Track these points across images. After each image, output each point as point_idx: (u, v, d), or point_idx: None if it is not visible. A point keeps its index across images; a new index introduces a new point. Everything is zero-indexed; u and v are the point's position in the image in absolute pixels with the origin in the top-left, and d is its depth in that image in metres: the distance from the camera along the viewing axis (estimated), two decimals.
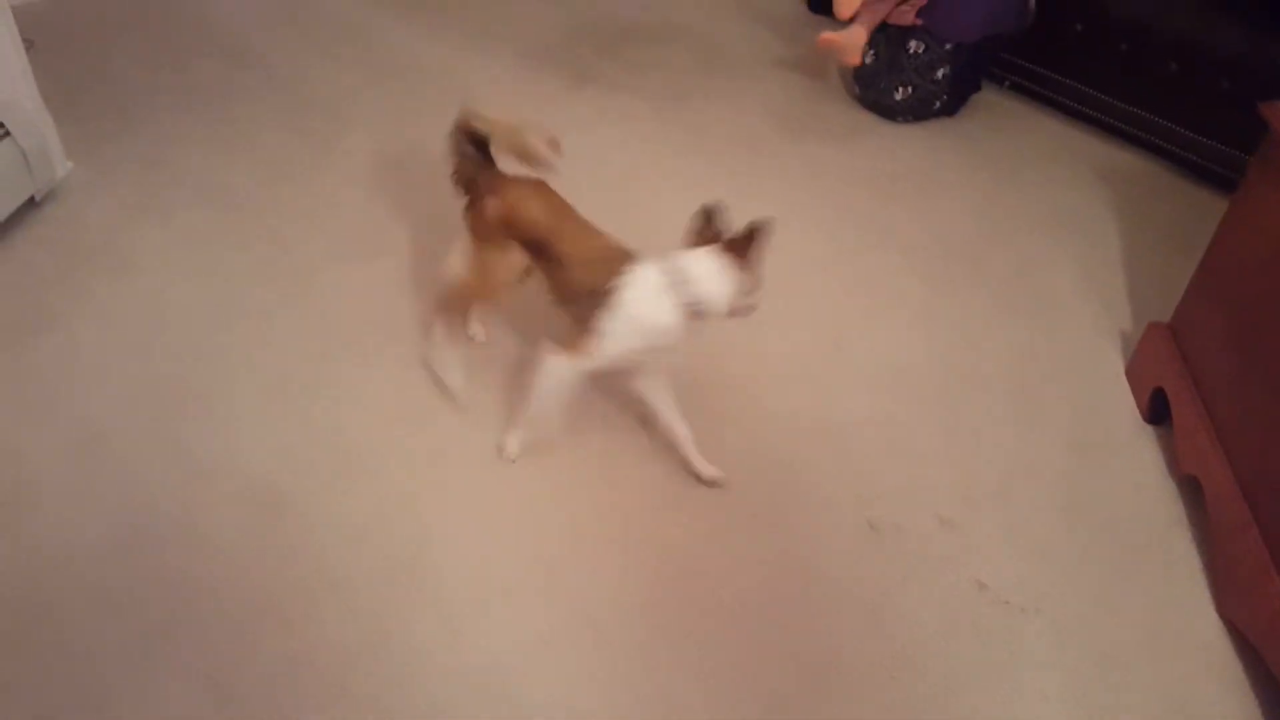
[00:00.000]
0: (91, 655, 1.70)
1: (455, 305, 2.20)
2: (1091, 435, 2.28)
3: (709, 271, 1.86)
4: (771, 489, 2.09)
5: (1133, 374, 2.41)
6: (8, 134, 2.52)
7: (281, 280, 2.54)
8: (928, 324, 2.55)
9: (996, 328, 2.55)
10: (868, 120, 3.37)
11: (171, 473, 2.03)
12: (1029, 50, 3.39)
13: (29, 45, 2.68)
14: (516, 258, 2.05)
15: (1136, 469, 2.21)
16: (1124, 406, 2.35)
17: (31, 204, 2.66)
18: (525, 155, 2.05)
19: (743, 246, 1.86)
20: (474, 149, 2.09)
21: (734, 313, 1.91)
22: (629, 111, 3.34)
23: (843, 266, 2.72)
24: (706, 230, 1.92)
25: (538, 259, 2.03)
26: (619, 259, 1.92)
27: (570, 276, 1.95)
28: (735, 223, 1.88)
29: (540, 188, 2.07)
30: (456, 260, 2.12)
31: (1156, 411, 2.29)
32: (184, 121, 3.12)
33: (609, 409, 2.23)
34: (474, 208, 2.09)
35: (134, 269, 2.54)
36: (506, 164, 2.10)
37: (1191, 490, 2.10)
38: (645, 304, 1.87)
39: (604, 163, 3.03)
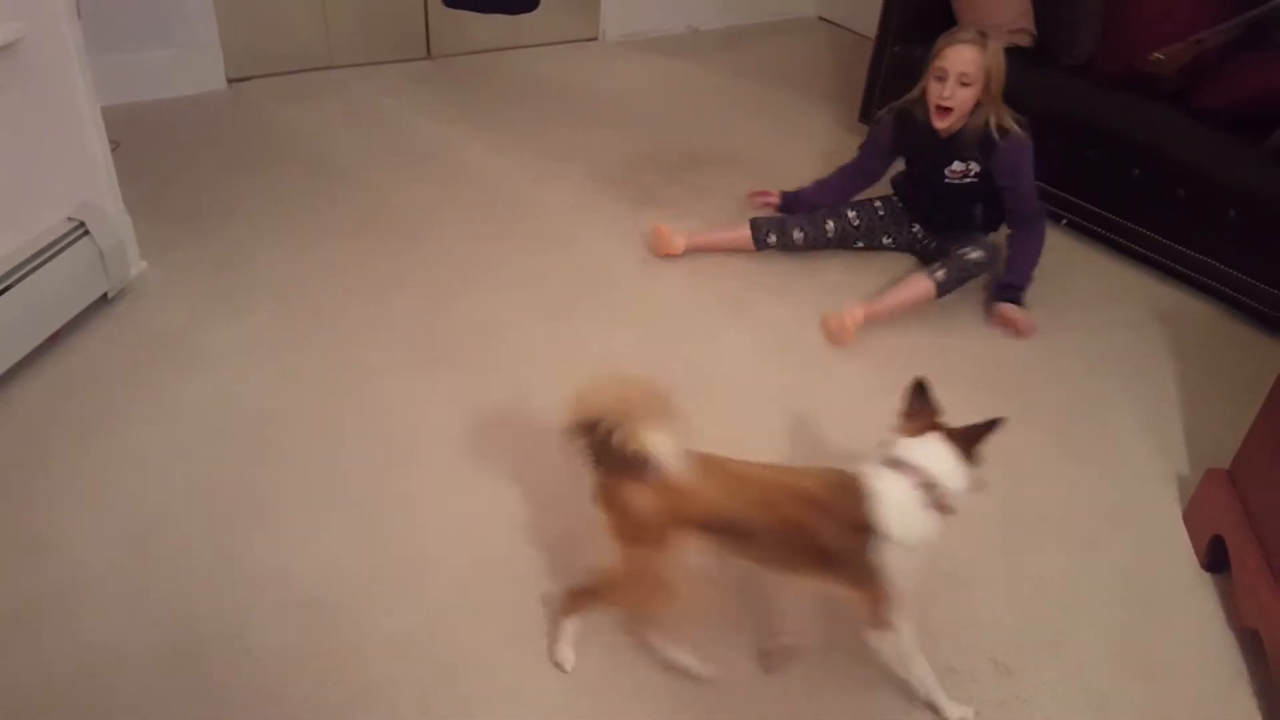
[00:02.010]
0: None
1: (604, 608, 1.89)
2: (1149, 583, 2.22)
3: (947, 461, 1.68)
4: (825, 619, 2.06)
5: (1190, 521, 2.37)
6: (87, 233, 2.61)
7: (343, 387, 2.58)
8: (984, 457, 2.52)
9: (1053, 467, 2.52)
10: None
11: (222, 578, 2.04)
12: (1087, 190, 3.42)
13: (114, 146, 2.79)
14: (692, 549, 1.70)
15: (1195, 619, 2.15)
16: (1182, 554, 2.30)
17: (104, 301, 2.74)
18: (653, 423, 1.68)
19: (970, 438, 1.70)
20: (597, 440, 1.70)
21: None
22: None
23: (892, 392, 2.71)
24: (921, 409, 1.76)
25: (729, 540, 1.71)
26: (847, 484, 1.67)
27: (800, 541, 1.67)
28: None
29: (703, 462, 1.73)
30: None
31: (1215, 560, 2.23)
32: (259, 226, 3.22)
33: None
34: (611, 502, 1.72)
35: (200, 370, 2.59)
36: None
37: (1252, 643, 2.04)
38: (911, 518, 1.65)
39: (661, 283, 3.09)
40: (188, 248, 3.06)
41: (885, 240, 3.31)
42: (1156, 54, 3.32)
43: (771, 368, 2.79)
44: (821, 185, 3.36)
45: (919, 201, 3.23)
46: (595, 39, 5.10)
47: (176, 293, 2.88)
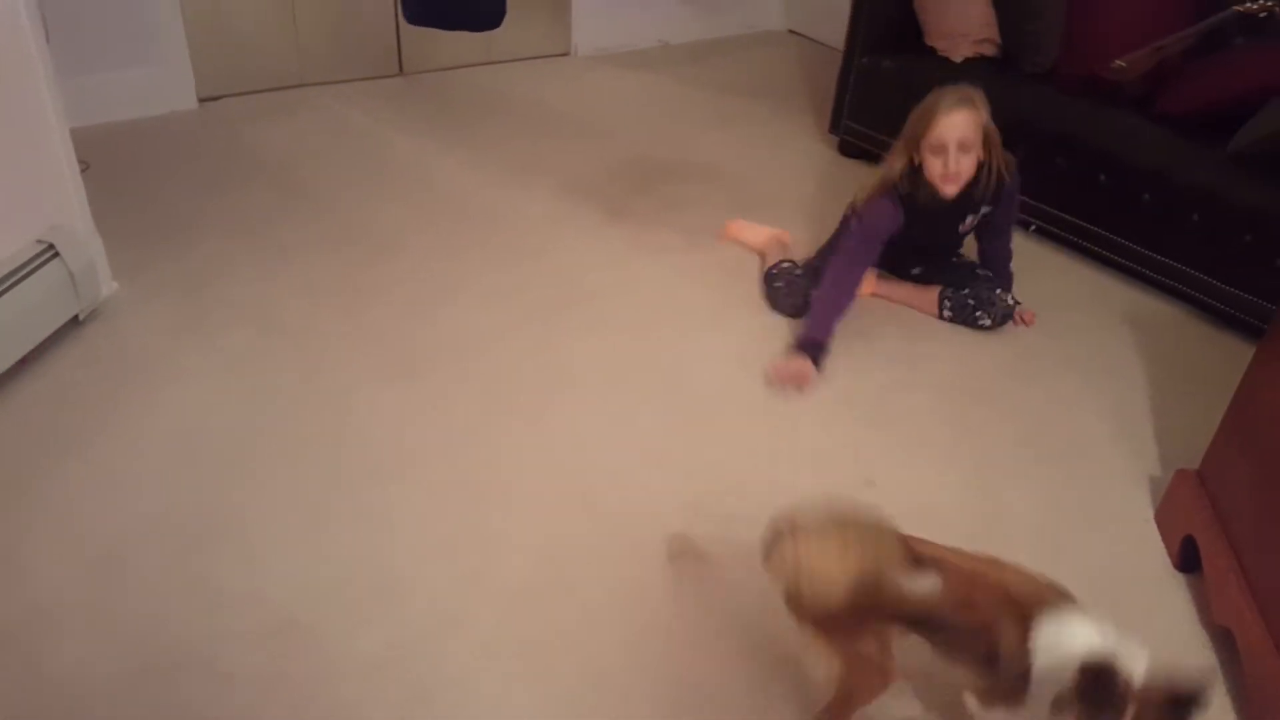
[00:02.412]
0: None
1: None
2: (1122, 583, 2.24)
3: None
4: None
5: (1162, 521, 2.39)
6: (57, 254, 2.60)
7: (316, 405, 2.58)
8: (955, 463, 2.54)
9: (1024, 470, 2.54)
10: None
11: (195, 601, 2.03)
12: (1053, 196, 3.45)
13: (84, 167, 2.79)
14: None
15: (1168, 619, 2.17)
16: (1154, 554, 2.32)
17: (75, 323, 2.73)
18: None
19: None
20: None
21: None
22: (664, 245, 3.43)
23: (870, 404, 2.74)
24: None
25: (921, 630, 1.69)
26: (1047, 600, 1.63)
27: (984, 640, 1.62)
28: None
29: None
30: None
31: (1187, 559, 2.25)
32: (229, 246, 3.21)
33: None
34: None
35: (172, 391, 2.58)
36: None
37: (1225, 641, 2.06)
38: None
39: (637, 293, 3.11)
40: (159, 268, 3.05)
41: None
42: (1118, 61, 3.36)
43: (750, 376, 2.81)
44: (832, 304, 2.91)
45: (927, 258, 3.17)
46: (567, 54, 5.12)
47: (148, 314, 2.87)
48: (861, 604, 1.62)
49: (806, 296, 2.98)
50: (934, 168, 2.78)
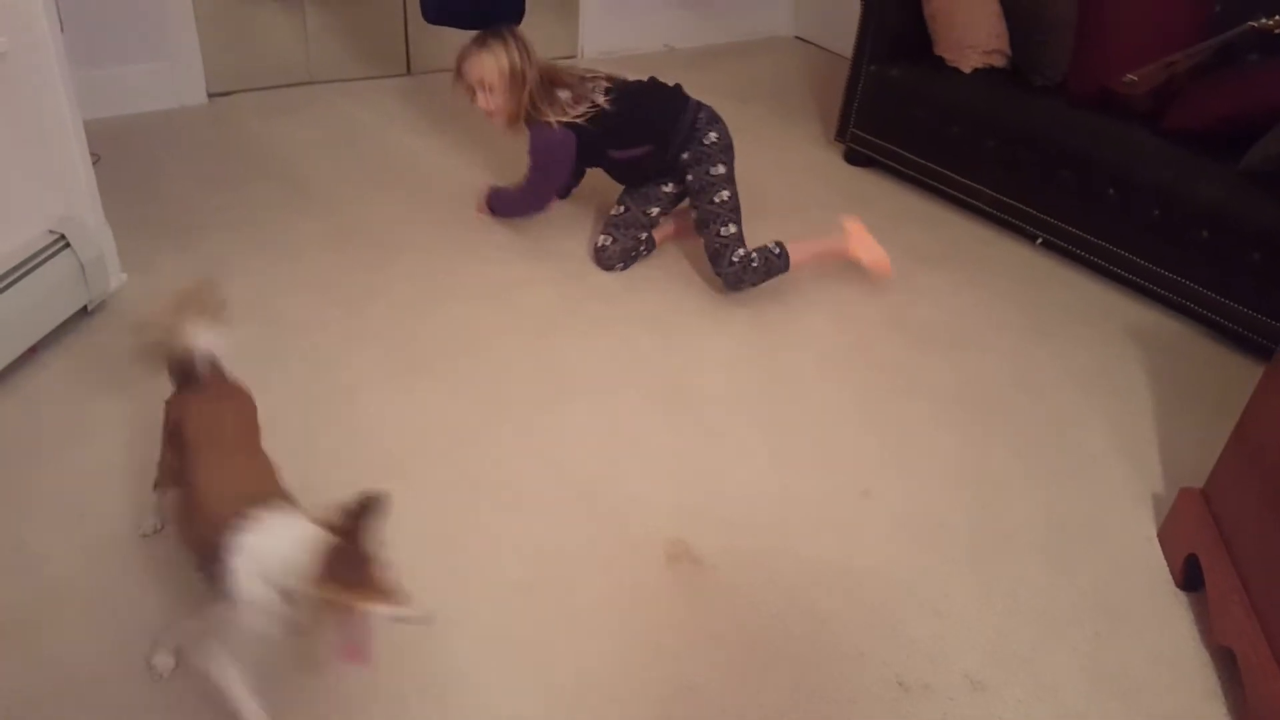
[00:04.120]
0: None
1: None
2: (1123, 600, 2.25)
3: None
4: (798, 639, 2.07)
5: (1165, 539, 2.39)
6: (67, 245, 2.61)
7: (319, 399, 2.58)
8: (958, 476, 2.55)
9: (1027, 484, 2.55)
10: (899, 269, 3.42)
11: (193, 595, 2.03)
12: (1061, 210, 3.46)
13: (95, 160, 2.79)
14: None
15: (1169, 637, 2.17)
16: (1156, 571, 2.33)
17: (84, 313, 2.73)
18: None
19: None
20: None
21: None
22: (665, 246, 3.44)
23: (872, 414, 2.74)
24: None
25: None
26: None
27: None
28: None
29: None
30: None
31: (1190, 578, 2.26)
32: (238, 239, 3.22)
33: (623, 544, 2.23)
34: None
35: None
36: None
37: (1226, 662, 2.06)
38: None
39: (638, 294, 3.12)
40: (168, 261, 3.06)
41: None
42: (1129, 76, 3.37)
43: (751, 378, 2.82)
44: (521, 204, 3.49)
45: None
46: (574, 57, 5.13)
47: (156, 306, 2.86)
48: None
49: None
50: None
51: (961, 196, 3.76)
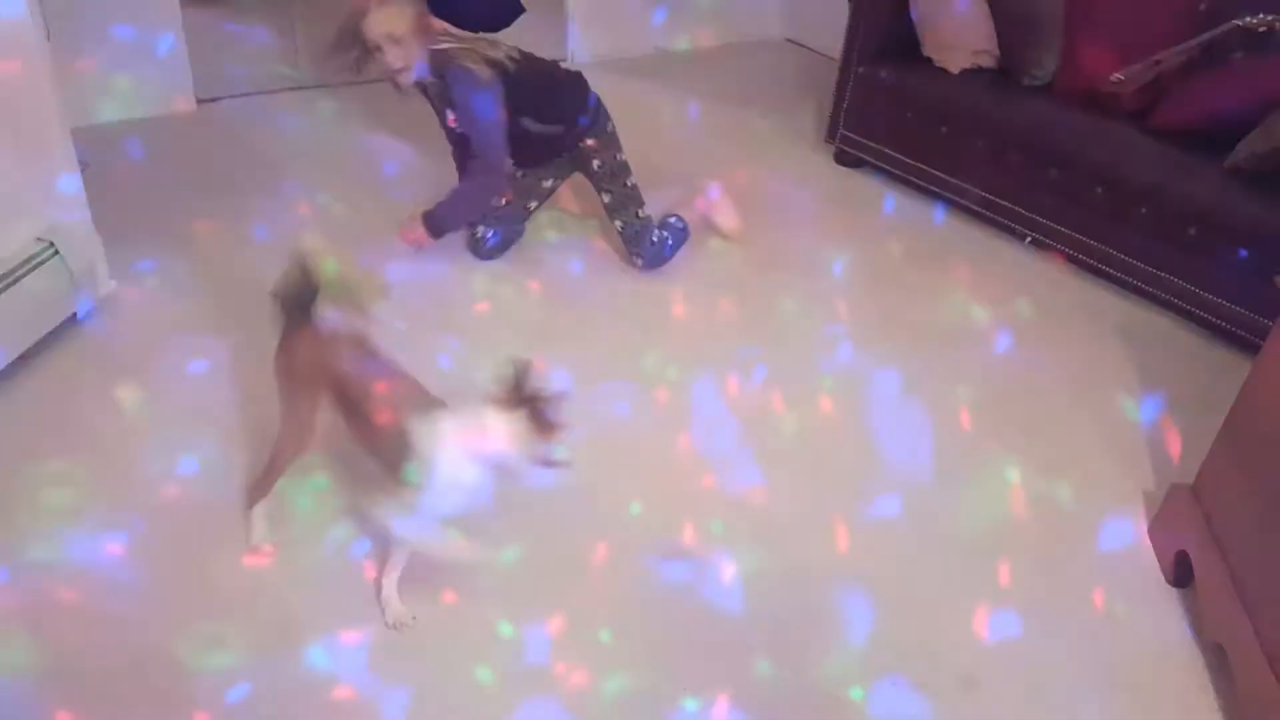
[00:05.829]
0: None
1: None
2: (1115, 597, 2.25)
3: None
4: (790, 636, 2.08)
5: (1155, 536, 2.40)
6: (56, 253, 2.60)
7: None
8: (950, 475, 2.55)
9: (1017, 481, 2.55)
10: (891, 269, 3.43)
11: (191, 596, 2.04)
12: (1050, 208, 3.47)
13: (84, 167, 2.78)
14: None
15: (1161, 633, 2.18)
16: (1147, 568, 2.34)
17: (73, 321, 2.73)
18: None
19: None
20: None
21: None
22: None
23: (864, 413, 2.74)
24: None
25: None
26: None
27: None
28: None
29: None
30: None
31: (1181, 574, 2.27)
32: (226, 246, 3.21)
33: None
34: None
35: (169, 390, 2.59)
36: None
37: (1218, 657, 2.07)
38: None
39: (637, 294, 3.12)
40: (157, 268, 3.05)
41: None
42: (1117, 75, 3.38)
43: (750, 380, 2.82)
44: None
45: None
46: (563, 60, 5.12)
47: (146, 313, 2.87)
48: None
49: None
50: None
51: (951, 196, 3.77)
